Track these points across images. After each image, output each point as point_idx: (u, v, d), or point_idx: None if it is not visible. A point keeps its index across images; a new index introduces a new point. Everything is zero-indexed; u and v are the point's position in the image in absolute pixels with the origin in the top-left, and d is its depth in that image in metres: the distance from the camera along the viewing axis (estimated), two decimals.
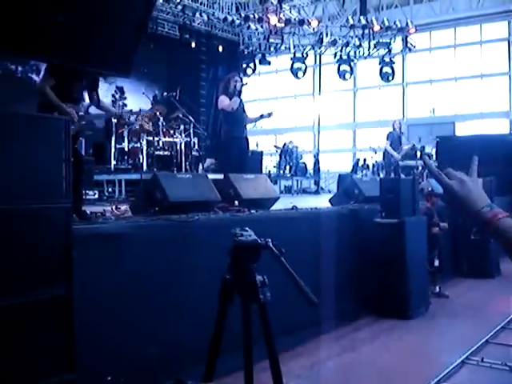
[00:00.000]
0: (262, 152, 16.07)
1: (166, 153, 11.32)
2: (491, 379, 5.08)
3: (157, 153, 11.09)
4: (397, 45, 18.09)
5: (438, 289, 7.94)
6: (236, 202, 5.92)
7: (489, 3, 20.01)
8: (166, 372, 4.13)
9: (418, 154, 15.74)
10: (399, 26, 17.32)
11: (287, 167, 17.45)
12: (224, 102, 8.37)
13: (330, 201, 8.18)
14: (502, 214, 1.43)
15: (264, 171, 16.00)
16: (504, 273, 9.45)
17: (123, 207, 6.04)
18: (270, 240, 2.30)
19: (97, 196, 10.04)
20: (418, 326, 6.62)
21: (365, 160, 18.99)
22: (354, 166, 19.51)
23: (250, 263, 2.36)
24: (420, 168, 12.70)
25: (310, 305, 2.06)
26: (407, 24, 17.41)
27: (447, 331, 6.46)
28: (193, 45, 16.74)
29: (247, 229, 2.39)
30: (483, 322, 6.62)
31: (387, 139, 11.69)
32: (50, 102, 4.91)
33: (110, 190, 11.05)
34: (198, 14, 16.53)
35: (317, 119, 23.46)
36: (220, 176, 6.94)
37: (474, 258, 9.32)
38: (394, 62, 17.94)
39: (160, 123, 11.18)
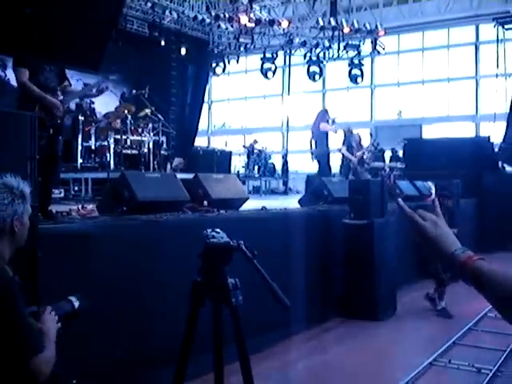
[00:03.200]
0: (230, 152, 16.00)
1: (133, 151, 11.17)
2: (458, 380, 5.13)
3: (124, 151, 10.94)
4: (366, 47, 18.20)
5: (443, 304, 7.19)
6: (205, 202, 5.86)
7: (457, 8, 20.26)
8: (135, 374, 4.06)
9: (388, 156, 15.89)
10: (369, 28, 17.41)
11: (256, 167, 17.42)
12: None
13: (299, 202, 8.17)
14: (476, 256, 1.42)
15: (233, 171, 15.94)
16: None
17: (90, 206, 5.92)
18: (242, 242, 2.25)
19: (63, 195, 9.85)
20: (387, 328, 6.65)
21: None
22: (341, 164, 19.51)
23: (221, 266, 2.31)
24: (387, 169, 12.80)
25: (283, 308, 2.02)
26: (376, 27, 17.52)
27: (415, 333, 6.52)
28: (162, 43, 16.57)
29: (219, 230, 2.33)
30: (450, 324, 6.69)
31: (343, 143, 11.77)
32: (31, 94, 4.77)
33: (76, 188, 10.86)
34: (167, 12, 16.37)
35: (285, 120, 23.48)
36: (188, 175, 6.87)
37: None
38: (362, 65, 18.04)
39: (128, 121, 11.04)
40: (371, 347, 5.94)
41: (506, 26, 16.51)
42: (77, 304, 2.43)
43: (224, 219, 5.34)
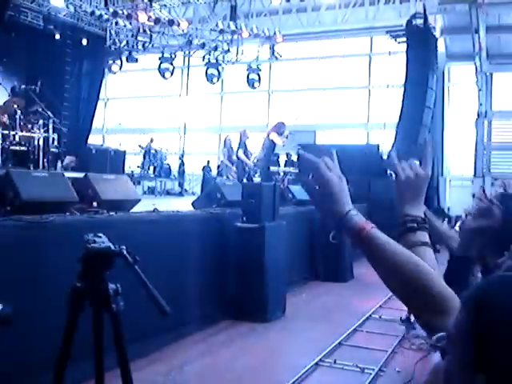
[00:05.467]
0: (124, 151, 15.70)
1: (22, 148, 10.74)
2: (343, 380, 5.30)
3: (12, 147, 10.51)
4: (264, 52, 18.47)
5: None
6: (95, 203, 5.72)
7: (353, 19, 20.97)
8: (15, 381, 3.90)
9: (282, 160, 16.18)
10: (267, 34, 17.69)
11: (151, 168, 17.23)
12: None
13: (192, 204, 8.16)
14: (371, 224, 1.38)
15: (127, 171, 15.66)
16: (357, 276, 9.91)
17: None
18: (124, 247, 2.22)
19: None
20: (275, 329, 6.75)
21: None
22: (218, 170, 19.63)
23: (102, 271, 2.27)
24: (282, 174, 13.03)
25: (163, 314, 2.01)
26: (275, 33, 17.83)
27: (303, 334, 6.65)
28: (57, 36, 16.01)
29: (101, 235, 2.29)
30: (337, 325, 6.89)
31: (239, 146, 11.94)
32: None
33: None
34: (64, 5, 15.85)
35: (183, 121, 23.38)
36: (79, 175, 6.69)
37: (329, 262, 9.68)
38: (260, 70, 18.29)
39: (17, 116, 10.60)
40: (259, 349, 6.01)
41: (398, 39, 17.27)
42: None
43: (113, 221, 5.23)
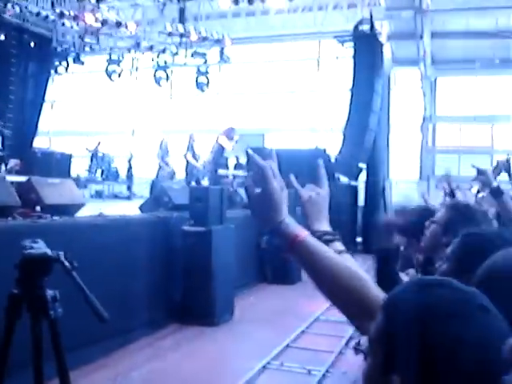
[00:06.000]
0: (70, 155, 15.42)
1: None
2: (290, 382, 5.35)
3: None
4: (214, 56, 18.47)
5: None
6: (38, 208, 5.62)
7: (301, 24, 21.15)
8: None
9: (232, 163, 16.18)
10: (216, 37, 17.69)
11: (98, 171, 17.00)
12: None
13: (139, 208, 8.10)
14: (306, 232, 1.41)
15: (74, 175, 15.39)
16: (304, 279, 9.98)
17: None
18: (62, 253, 2.19)
19: None
20: (223, 333, 6.76)
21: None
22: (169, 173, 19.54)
23: (40, 277, 2.23)
24: (231, 177, 13.05)
25: (100, 320, 1.99)
26: (224, 36, 17.85)
27: (250, 337, 6.67)
28: (1, 37, 15.62)
29: (38, 240, 2.26)
30: (285, 327, 6.94)
31: (188, 149, 11.97)
32: None
33: None
34: (9, 6, 15.46)
35: (132, 124, 23.14)
36: (23, 179, 6.55)
37: (277, 265, 9.73)
38: (208, 73, 18.29)
39: None
40: (207, 353, 6.01)
41: (345, 45, 17.52)
42: None
43: (56, 226, 5.15)
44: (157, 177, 12.92)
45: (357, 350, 1.09)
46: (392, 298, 0.96)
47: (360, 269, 1.40)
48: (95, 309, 2.00)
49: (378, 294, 1.33)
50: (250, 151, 1.48)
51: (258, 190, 1.45)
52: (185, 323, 6.79)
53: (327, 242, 1.53)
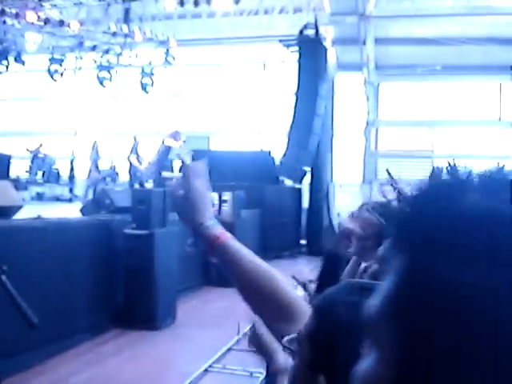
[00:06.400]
0: (10, 156, 14.99)
1: None
2: None
3: None
4: (159, 57, 18.33)
5: None
6: None
7: (247, 27, 21.23)
8: None
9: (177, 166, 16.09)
10: (161, 38, 17.57)
11: (39, 173, 16.60)
12: None
13: (80, 210, 7.95)
14: (228, 234, 1.38)
15: (13, 176, 14.98)
16: None
17: None
18: None
19: None
20: (165, 337, 6.70)
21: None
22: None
23: None
24: (175, 179, 12.97)
25: (30, 326, 1.93)
26: (169, 38, 17.74)
27: (193, 340, 6.63)
28: None
29: None
30: (227, 330, 6.89)
31: (131, 151, 11.88)
32: None
33: None
34: None
35: (75, 125, 22.70)
36: None
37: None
38: (153, 74, 18.14)
39: None
40: (149, 357, 5.95)
41: (290, 49, 17.66)
42: None
43: None
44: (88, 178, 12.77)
45: (285, 347, 1.09)
46: (325, 299, 0.97)
47: (279, 272, 1.39)
48: (24, 314, 1.94)
49: (297, 297, 1.35)
50: (183, 155, 1.46)
51: (181, 192, 1.42)
52: (127, 328, 6.70)
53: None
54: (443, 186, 0.61)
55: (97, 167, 11.57)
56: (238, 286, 1.36)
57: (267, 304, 1.33)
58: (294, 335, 1.05)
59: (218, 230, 1.39)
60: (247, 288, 1.35)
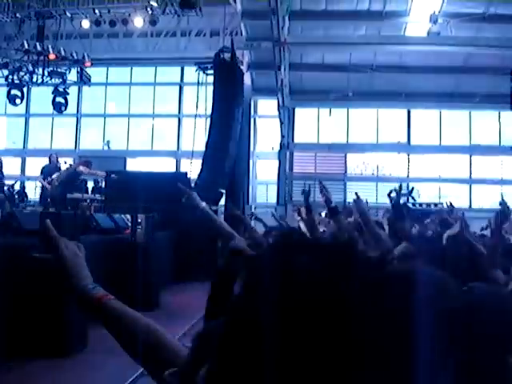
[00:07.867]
0: None
1: None
2: None
3: None
4: (73, 75, 18.00)
5: None
6: None
7: (164, 48, 21.25)
8: None
9: (90, 187, 15.77)
10: (76, 57, 17.28)
11: None
12: None
13: None
14: (110, 296, 1.44)
15: None
16: (163, 304, 9.88)
17: None
18: None
19: None
20: (75, 364, 6.50)
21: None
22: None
23: None
24: (88, 201, 12.72)
25: None
26: (84, 56, 17.47)
27: (104, 366, 6.47)
28: None
29: None
30: None
31: (41, 173, 11.57)
32: None
33: None
34: None
35: None
36: None
37: (137, 290, 9.52)
38: (68, 93, 17.78)
39: None
40: None
41: (206, 71, 17.80)
42: None
43: None
44: None
45: (165, 381, 1.12)
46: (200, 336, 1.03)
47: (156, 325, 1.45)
48: None
49: (175, 346, 1.41)
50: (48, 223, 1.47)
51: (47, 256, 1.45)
52: (34, 355, 6.44)
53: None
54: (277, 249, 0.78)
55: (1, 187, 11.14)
56: (123, 343, 1.41)
57: (151, 353, 1.38)
58: (174, 369, 1.10)
59: (102, 292, 1.45)
60: (134, 342, 1.39)
